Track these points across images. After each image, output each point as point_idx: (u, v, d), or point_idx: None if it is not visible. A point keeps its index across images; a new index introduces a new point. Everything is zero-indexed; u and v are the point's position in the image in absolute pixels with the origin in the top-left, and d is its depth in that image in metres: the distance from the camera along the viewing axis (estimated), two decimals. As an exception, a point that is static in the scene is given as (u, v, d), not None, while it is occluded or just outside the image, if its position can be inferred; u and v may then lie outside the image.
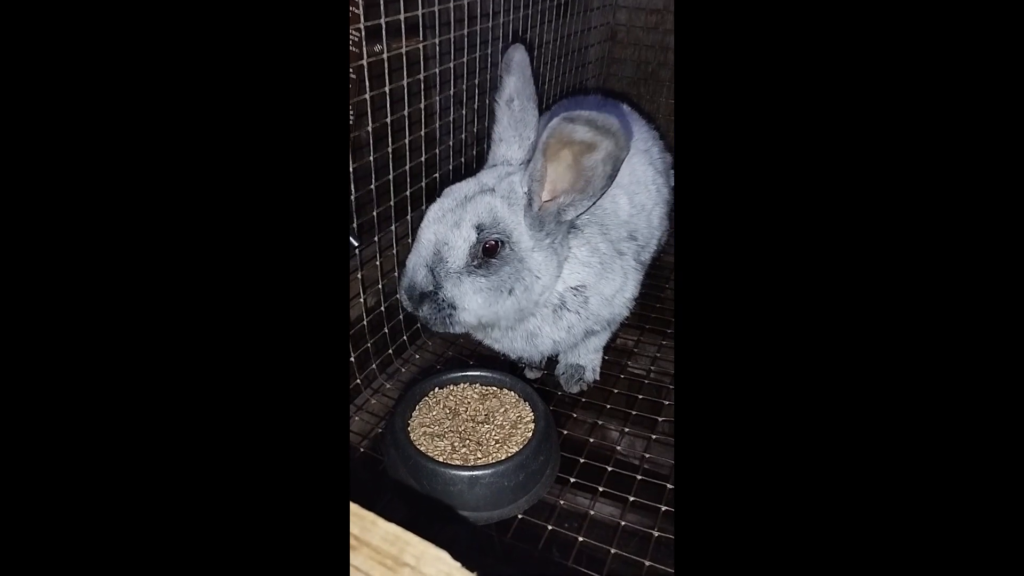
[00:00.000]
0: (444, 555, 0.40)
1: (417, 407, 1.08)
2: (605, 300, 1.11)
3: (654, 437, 1.13)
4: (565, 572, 0.89)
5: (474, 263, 0.96)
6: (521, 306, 1.01)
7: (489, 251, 0.96)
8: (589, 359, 1.27)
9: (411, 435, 1.02)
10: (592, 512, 0.99)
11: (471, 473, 0.94)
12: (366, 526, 0.42)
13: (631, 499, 1.01)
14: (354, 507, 0.43)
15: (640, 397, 1.23)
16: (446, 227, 0.96)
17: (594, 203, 0.97)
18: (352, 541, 0.41)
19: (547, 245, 1.01)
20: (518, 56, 1.09)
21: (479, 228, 0.96)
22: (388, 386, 1.22)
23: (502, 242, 0.97)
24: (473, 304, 0.97)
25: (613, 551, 0.91)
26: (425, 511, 0.94)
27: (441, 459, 0.97)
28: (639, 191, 1.23)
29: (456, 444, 1.01)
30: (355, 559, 0.40)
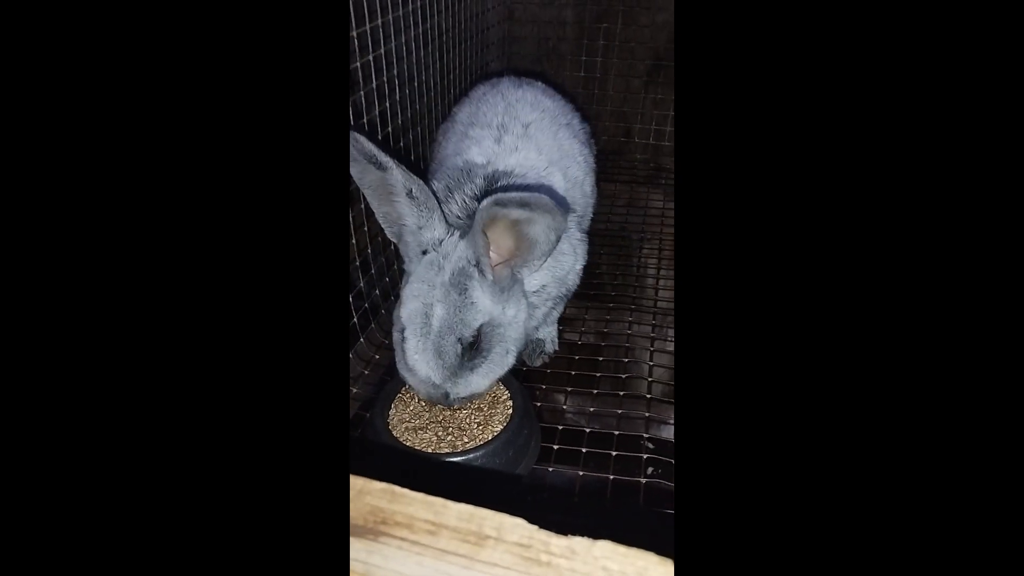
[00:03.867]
0: (520, 521, 0.42)
1: (393, 405, 1.08)
2: (559, 280, 1.14)
3: (622, 394, 1.19)
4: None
5: (465, 358, 0.97)
6: (520, 347, 1.05)
7: (474, 338, 0.97)
8: (547, 332, 1.31)
9: (394, 433, 1.01)
10: (581, 473, 1.03)
11: (463, 458, 0.95)
12: (438, 510, 0.43)
13: (614, 454, 1.06)
14: (421, 495, 0.44)
15: (601, 359, 1.28)
16: (430, 348, 0.96)
17: (545, 261, 0.97)
18: (429, 527, 0.42)
19: (510, 298, 1.01)
20: (369, 145, 0.93)
21: (464, 326, 0.96)
22: (355, 390, 1.21)
23: (482, 324, 0.98)
24: (485, 383, 1.01)
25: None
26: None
27: (430, 450, 0.98)
28: (570, 164, 1.27)
29: (440, 433, 1.02)
30: (439, 543, 0.41)
